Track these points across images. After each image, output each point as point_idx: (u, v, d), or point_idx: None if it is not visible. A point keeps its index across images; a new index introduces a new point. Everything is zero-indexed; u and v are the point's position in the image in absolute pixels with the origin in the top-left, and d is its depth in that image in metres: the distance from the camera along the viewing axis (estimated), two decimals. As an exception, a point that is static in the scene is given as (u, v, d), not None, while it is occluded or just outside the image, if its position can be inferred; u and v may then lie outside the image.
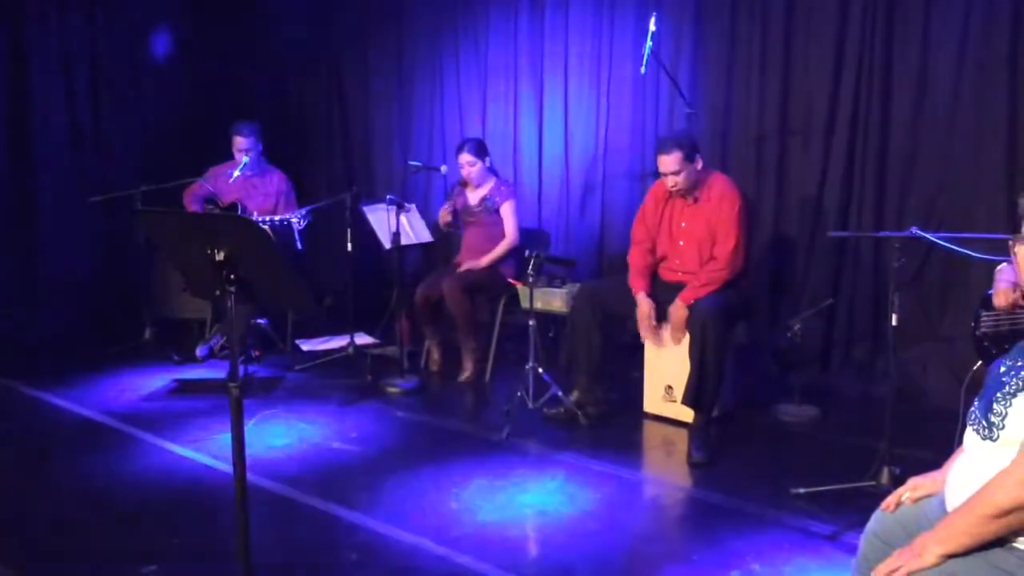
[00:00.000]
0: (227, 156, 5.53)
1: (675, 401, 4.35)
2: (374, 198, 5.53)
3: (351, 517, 3.38)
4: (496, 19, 6.27)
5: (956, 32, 4.56)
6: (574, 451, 4.06)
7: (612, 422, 4.47)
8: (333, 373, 5.28)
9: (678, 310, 4.24)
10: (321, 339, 5.91)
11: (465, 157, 5.26)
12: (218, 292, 2.34)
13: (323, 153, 7.29)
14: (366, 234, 5.38)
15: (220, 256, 2.29)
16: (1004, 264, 3.20)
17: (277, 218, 5.24)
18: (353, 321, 5.47)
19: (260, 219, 5.13)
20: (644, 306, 4.35)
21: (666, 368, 4.42)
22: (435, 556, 3.08)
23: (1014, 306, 3.20)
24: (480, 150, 5.30)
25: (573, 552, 3.12)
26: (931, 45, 4.65)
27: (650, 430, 4.45)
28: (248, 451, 2.44)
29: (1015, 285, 3.14)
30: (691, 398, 4.07)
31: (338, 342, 5.72)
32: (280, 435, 4.29)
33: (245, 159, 5.42)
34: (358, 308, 5.55)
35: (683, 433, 4.17)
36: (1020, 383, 1.80)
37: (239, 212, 5.33)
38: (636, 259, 4.47)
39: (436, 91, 6.65)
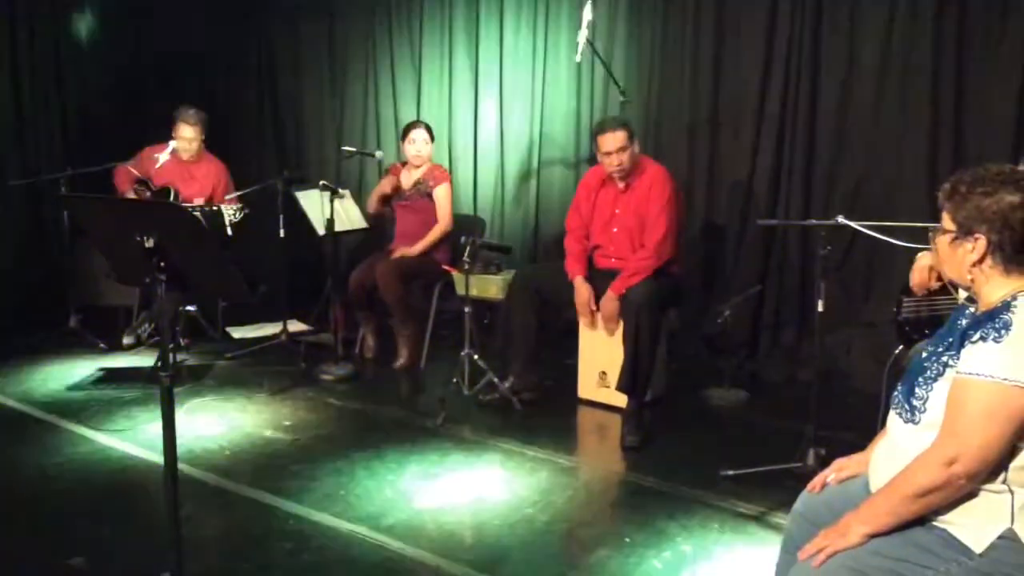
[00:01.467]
0: (163, 138, 5.40)
1: (609, 387, 4.40)
2: (306, 183, 5.46)
3: (284, 506, 3.35)
4: (430, 2, 6.23)
5: (881, 25, 4.68)
6: (509, 437, 4.09)
7: (547, 408, 4.50)
8: (265, 361, 5.20)
9: (609, 302, 4.29)
10: (253, 326, 5.83)
11: (421, 133, 5.27)
12: (147, 280, 2.29)
13: (254, 137, 7.16)
14: (299, 220, 5.31)
15: (150, 243, 2.25)
16: (924, 252, 3.30)
17: (208, 205, 5.14)
18: (286, 308, 5.41)
19: (191, 206, 5.03)
20: (583, 291, 4.39)
21: (600, 354, 4.47)
22: (370, 543, 3.07)
23: (929, 288, 3.30)
24: (431, 131, 5.32)
25: (508, 537, 3.14)
26: (857, 37, 4.77)
27: (584, 415, 4.50)
28: (178, 440, 2.40)
29: (931, 268, 3.23)
30: (625, 384, 4.12)
31: (270, 329, 5.64)
32: (211, 424, 4.22)
33: (172, 144, 5.30)
34: (291, 295, 5.49)
35: (616, 418, 4.23)
36: (941, 368, 1.87)
37: (172, 198, 5.21)
38: (572, 245, 4.50)
39: (370, 76, 6.58)
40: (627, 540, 3.10)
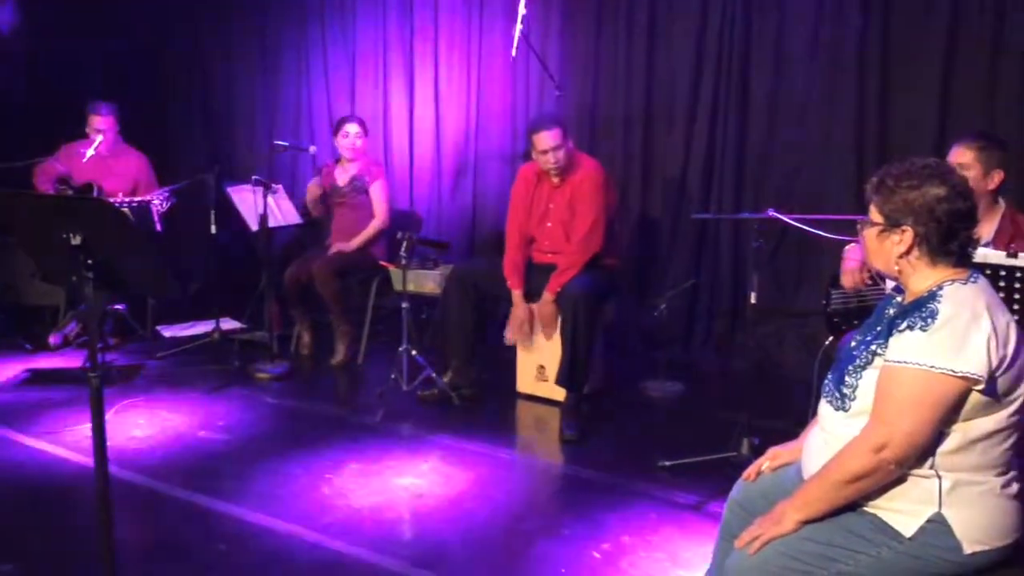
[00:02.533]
0: (81, 134, 5.27)
1: (547, 380, 4.42)
2: (238, 178, 5.36)
3: (219, 507, 3.29)
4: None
5: (809, 22, 4.78)
6: (448, 432, 4.08)
7: (486, 403, 4.50)
8: (198, 360, 5.10)
9: (546, 305, 4.29)
10: (184, 325, 5.70)
11: (354, 127, 5.21)
12: (75, 278, 2.23)
13: (184, 131, 7.00)
14: (231, 215, 5.21)
15: (76, 240, 2.19)
16: (852, 244, 3.38)
17: (135, 200, 5.03)
18: (219, 306, 5.31)
19: (118, 201, 4.91)
20: (520, 311, 4.38)
21: (538, 348, 4.48)
22: (308, 543, 3.03)
23: (861, 286, 3.39)
24: (364, 126, 5.27)
25: (448, 532, 3.14)
26: (786, 33, 4.85)
27: (523, 409, 4.51)
28: (108, 442, 2.34)
29: (862, 265, 3.32)
30: (564, 378, 4.15)
31: (203, 328, 5.53)
32: (142, 425, 4.12)
33: (99, 139, 5.18)
34: (224, 292, 5.39)
35: (555, 411, 4.25)
36: (869, 356, 1.92)
37: (95, 194, 5.08)
38: (512, 255, 4.45)
39: (303, 68, 6.48)
40: (566, 532, 3.12)
